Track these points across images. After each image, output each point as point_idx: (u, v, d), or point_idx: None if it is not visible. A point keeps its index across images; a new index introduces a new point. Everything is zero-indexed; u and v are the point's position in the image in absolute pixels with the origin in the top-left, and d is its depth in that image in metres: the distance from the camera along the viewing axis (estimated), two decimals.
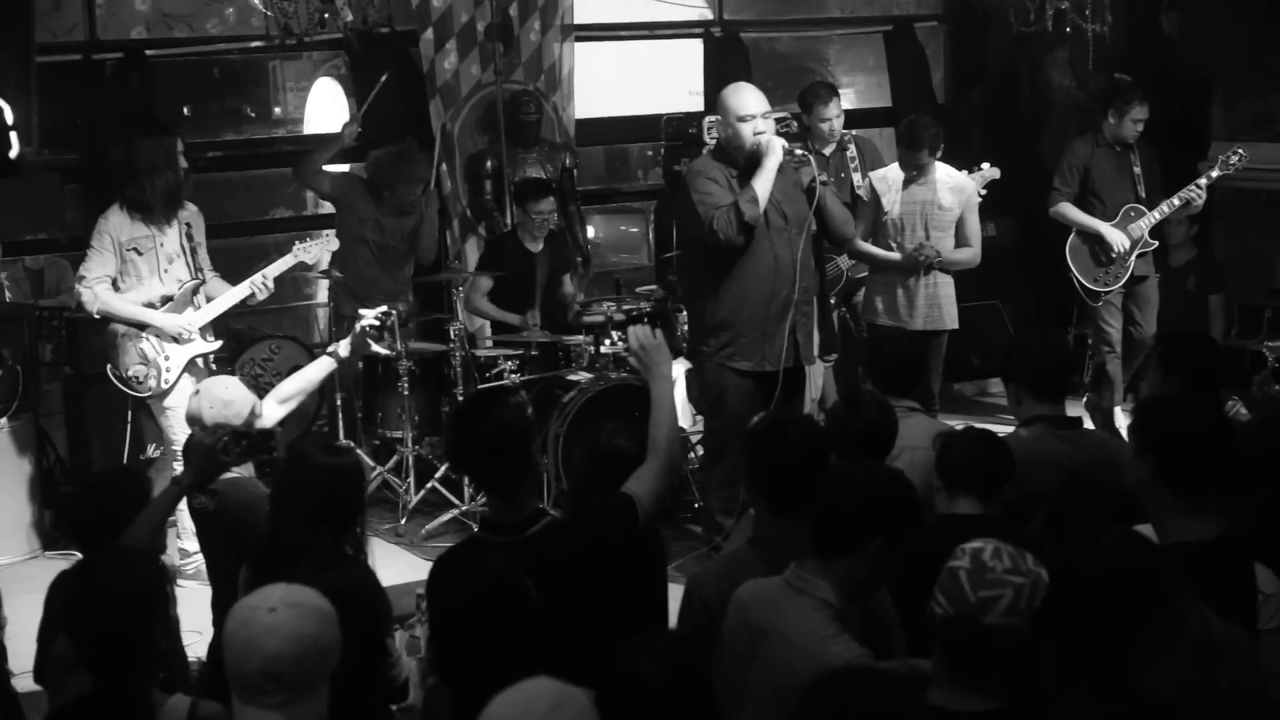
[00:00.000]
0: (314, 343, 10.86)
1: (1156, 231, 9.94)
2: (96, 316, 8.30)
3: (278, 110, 12.73)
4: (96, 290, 8.20)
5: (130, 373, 8.25)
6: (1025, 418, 5.79)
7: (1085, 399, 9.97)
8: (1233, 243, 11.43)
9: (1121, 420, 9.57)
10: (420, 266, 10.27)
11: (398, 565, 8.29)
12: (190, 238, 8.39)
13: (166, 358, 8.28)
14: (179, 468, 8.15)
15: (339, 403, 9.68)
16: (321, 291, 11.18)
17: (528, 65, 11.09)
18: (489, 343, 10.07)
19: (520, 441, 4.76)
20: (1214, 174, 9.77)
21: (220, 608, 5.87)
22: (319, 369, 6.90)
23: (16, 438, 8.89)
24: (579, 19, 11.30)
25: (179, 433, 8.08)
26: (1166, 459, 4.28)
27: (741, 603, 4.33)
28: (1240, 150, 9.77)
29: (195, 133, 11.92)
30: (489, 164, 10.75)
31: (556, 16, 11.14)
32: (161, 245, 8.29)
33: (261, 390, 6.70)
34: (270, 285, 8.47)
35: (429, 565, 8.12)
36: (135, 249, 8.24)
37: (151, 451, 8.56)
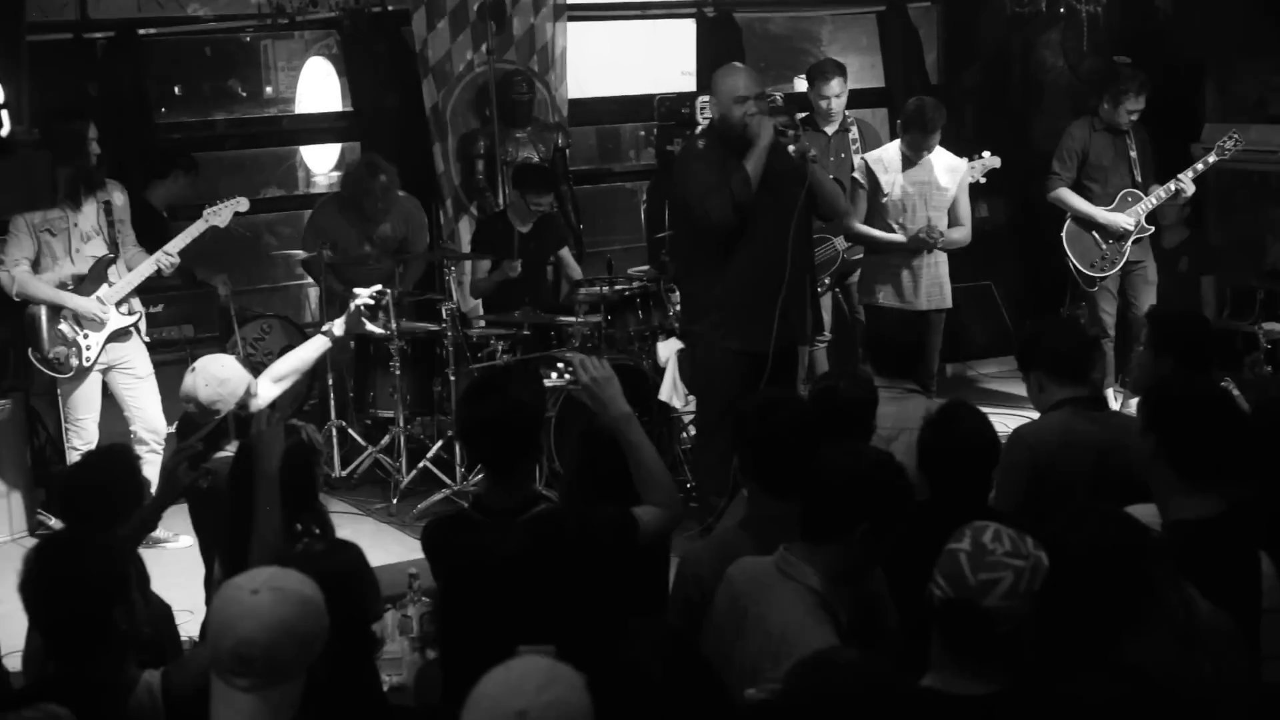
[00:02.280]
0: (305, 322, 10.86)
1: (1151, 215, 9.95)
2: (16, 299, 8.42)
3: (269, 90, 12.67)
4: (14, 273, 8.33)
5: (52, 354, 8.37)
6: (1050, 403, 5.74)
7: None
8: (1225, 224, 11.43)
9: (1113, 402, 9.59)
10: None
11: (389, 545, 8.30)
12: (109, 213, 8.46)
13: (85, 336, 8.41)
14: (78, 444, 8.27)
15: (330, 382, 9.68)
16: None
17: (520, 45, 11.06)
18: (481, 323, 10.05)
19: (532, 423, 4.74)
20: (1210, 159, 9.78)
21: (211, 587, 5.87)
22: (313, 348, 6.91)
23: (7, 417, 8.89)
24: None
25: (80, 410, 8.48)
26: (1169, 437, 4.29)
27: (731, 581, 4.33)
28: (1235, 135, 9.78)
29: (187, 112, 11.89)
30: (481, 144, 10.73)
31: None
32: (75, 225, 8.39)
33: (254, 369, 6.70)
34: (175, 259, 8.55)
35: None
36: (48, 230, 8.36)
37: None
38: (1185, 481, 4.29)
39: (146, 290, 8.70)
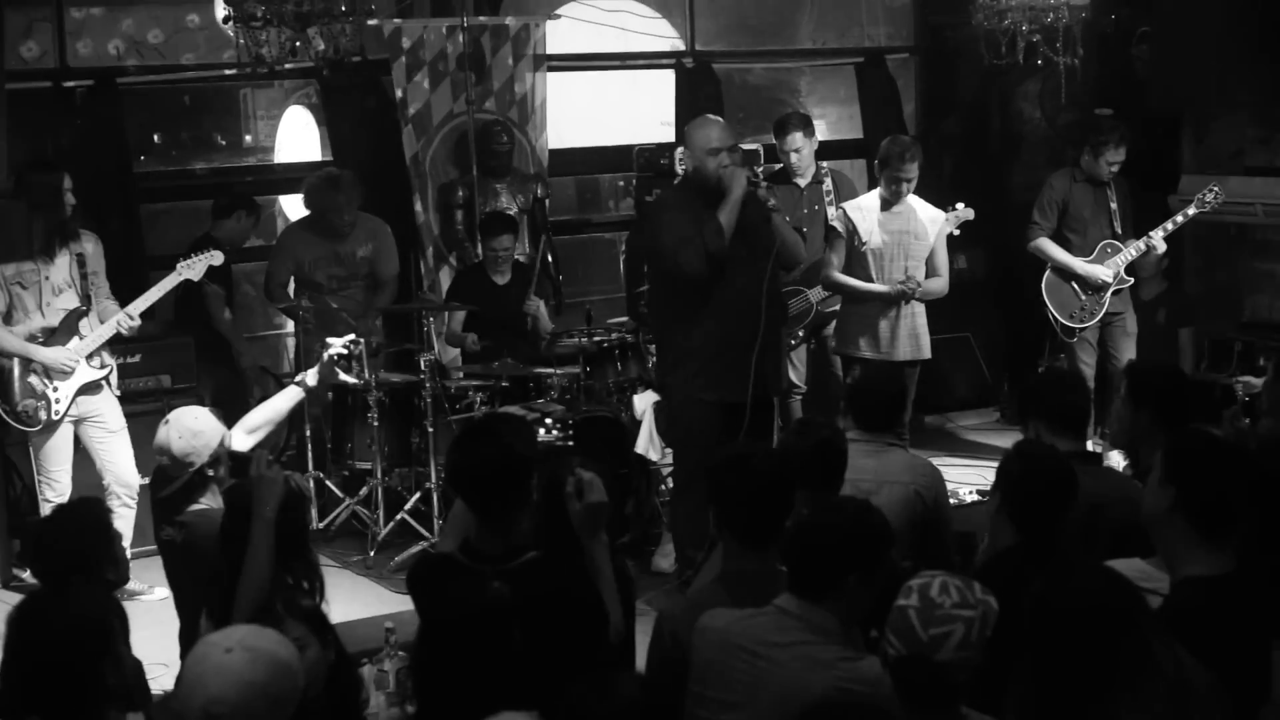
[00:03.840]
0: (282, 372, 10.83)
1: (1130, 266, 9.97)
2: None
3: (248, 138, 12.70)
4: None
5: (21, 407, 8.30)
6: None
7: None
8: (1203, 276, 11.45)
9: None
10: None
11: (366, 598, 8.26)
12: (82, 264, 8.43)
13: (55, 389, 8.34)
14: (51, 496, 8.21)
15: (308, 433, 9.64)
16: (289, 321, 11.13)
17: (499, 95, 11.09)
18: (459, 374, 10.04)
19: (524, 470, 4.72)
20: (1191, 211, 9.81)
21: (187, 641, 5.83)
22: (287, 399, 6.88)
23: None
24: (551, 49, 11.31)
25: (52, 463, 8.39)
26: (1190, 492, 4.26)
27: (724, 632, 4.28)
28: (1216, 188, 9.81)
29: (166, 160, 11.91)
30: (460, 194, 10.74)
31: (528, 47, 11.15)
32: (47, 278, 8.34)
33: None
34: (136, 320, 8.48)
35: (398, 598, 8.14)
36: (19, 283, 8.31)
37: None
38: (1202, 536, 4.26)
39: (122, 340, 8.66)
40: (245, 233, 10.22)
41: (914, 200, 9.14)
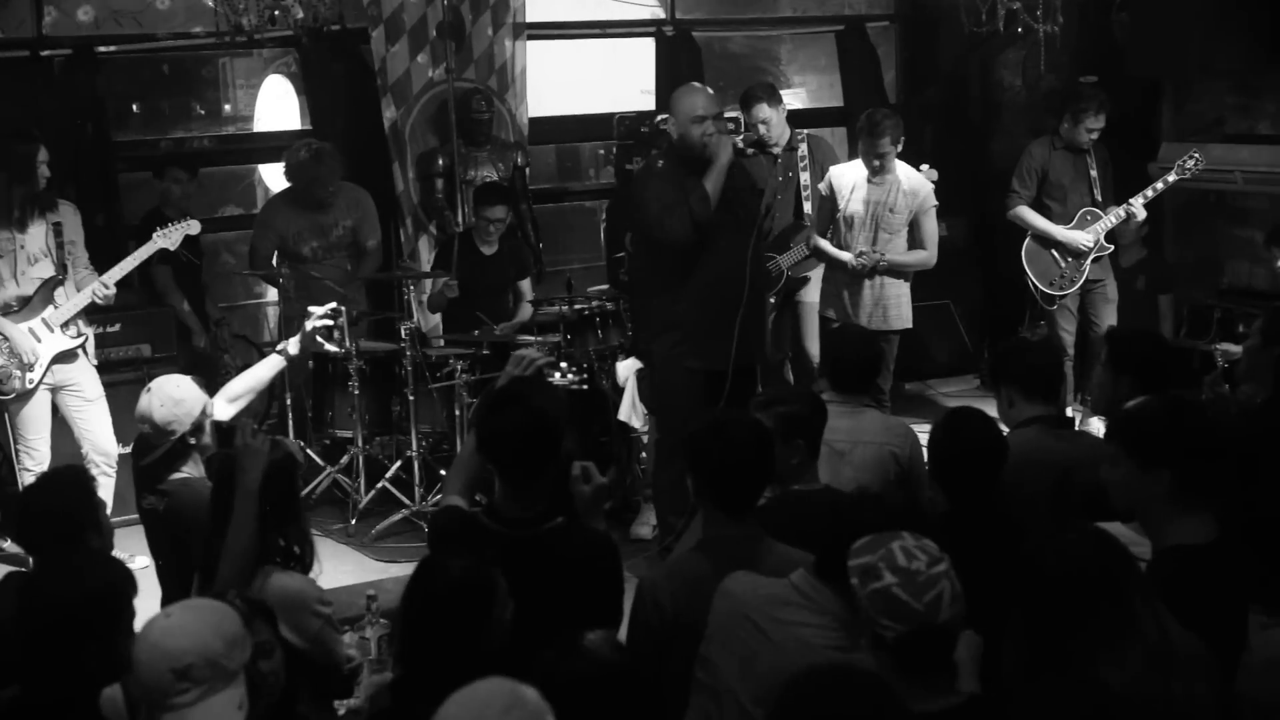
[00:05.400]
0: (263, 341, 10.81)
1: (1109, 233, 9.99)
2: None
3: (227, 108, 12.65)
4: None
5: None
6: (1019, 420, 5.78)
7: None
8: (1182, 243, 11.47)
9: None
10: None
11: (348, 566, 8.27)
12: (59, 234, 8.39)
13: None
14: (30, 465, 8.20)
15: (289, 402, 9.63)
16: (270, 290, 11.12)
17: (479, 63, 11.06)
18: (440, 342, 10.04)
19: (555, 435, 4.72)
20: (1171, 178, 9.84)
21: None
22: (268, 367, 6.87)
23: None
24: (531, 17, 11.28)
25: (30, 431, 8.39)
26: (1186, 471, 4.26)
27: (739, 599, 4.30)
28: (1196, 154, 9.82)
29: (144, 129, 11.86)
30: (440, 162, 10.73)
31: (508, 15, 11.12)
32: (22, 247, 8.30)
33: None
34: (112, 290, 8.46)
35: (379, 565, 8.17)
36: None
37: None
38: (1182, 506, 4.27)
39: (102, 310, 8.63)
40: (186, 193, 9.99)
41: (904, 172, 9.16)
